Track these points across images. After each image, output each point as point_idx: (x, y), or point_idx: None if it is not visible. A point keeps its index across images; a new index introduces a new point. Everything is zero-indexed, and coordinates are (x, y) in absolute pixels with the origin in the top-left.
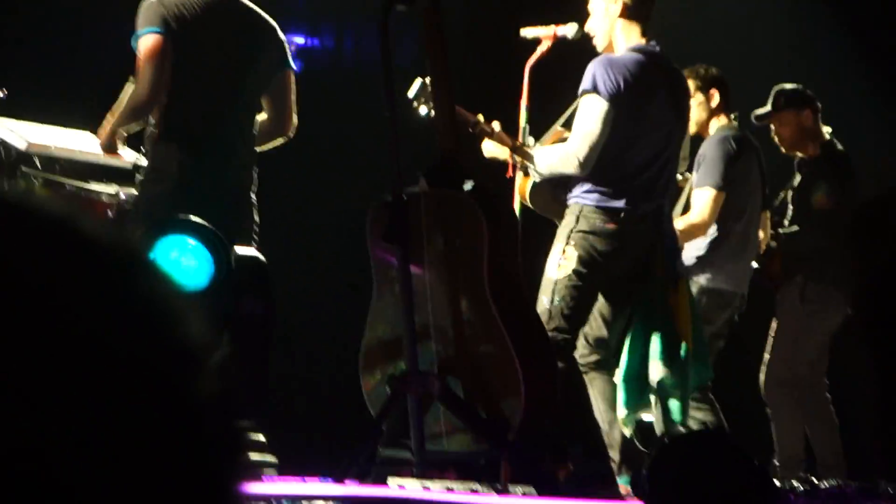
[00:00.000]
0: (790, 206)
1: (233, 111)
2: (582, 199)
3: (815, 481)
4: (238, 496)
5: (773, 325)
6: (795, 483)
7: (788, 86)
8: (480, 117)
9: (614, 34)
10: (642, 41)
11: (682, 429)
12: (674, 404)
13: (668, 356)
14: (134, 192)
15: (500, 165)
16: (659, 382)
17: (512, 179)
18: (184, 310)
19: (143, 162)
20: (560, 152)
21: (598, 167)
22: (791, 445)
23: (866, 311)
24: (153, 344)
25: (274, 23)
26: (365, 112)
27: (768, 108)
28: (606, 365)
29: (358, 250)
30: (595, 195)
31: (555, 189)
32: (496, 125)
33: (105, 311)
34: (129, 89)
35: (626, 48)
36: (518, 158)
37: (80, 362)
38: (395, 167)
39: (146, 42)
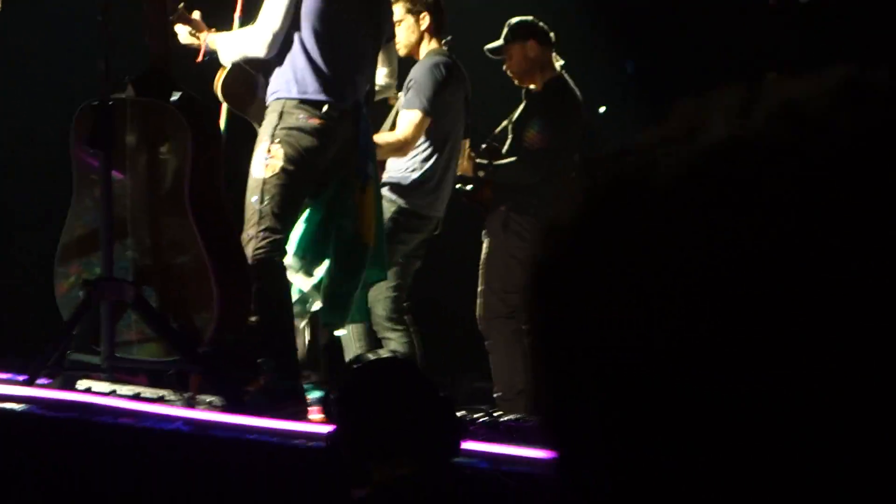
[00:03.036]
0: (509, 136)
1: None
2: (284, 94)
3: (496, 415)
4: None
5: (483, 250)
6: (477, 415)
7: (516, 19)
8: (182, 5)
9: None
10: None
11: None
12: (337, 302)
13: (344, 256)
14: None
15: (208, 80)
16: (328, 280)
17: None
18: None
19: None
20: (244, 35)
21: (293, 59)
22: (510, 377)
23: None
24: None
25: None
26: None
27: (499, 41)
28: (279, 247)
29: (62, 148)
30: (296, 89)
31: (255, 88)
32: (196, 14)
33: None
34: None
35: None
36: (209, 45)
37: None
38: (104, 72)
39: None
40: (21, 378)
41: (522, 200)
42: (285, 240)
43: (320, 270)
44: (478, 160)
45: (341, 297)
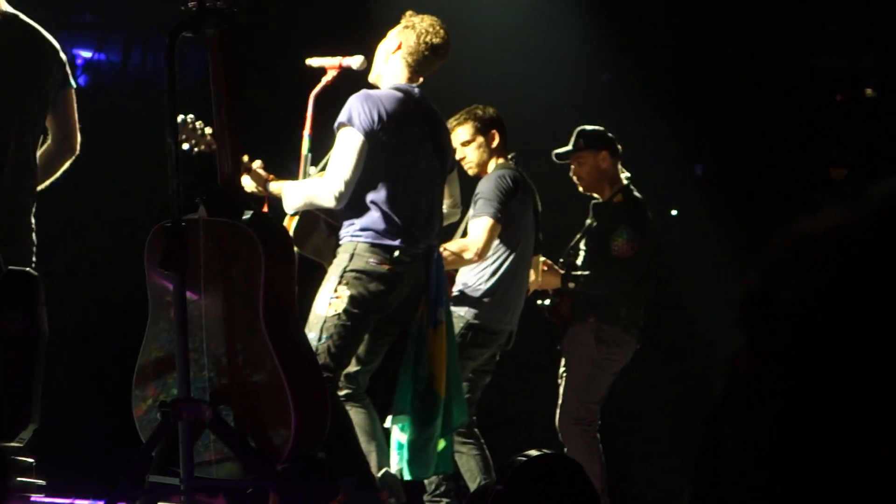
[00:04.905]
0: (582, 249)
1: (12, 130)
2: (355, 237)
3: None
4: None
5: (562, 364)
6: None
7: (589, 127)
8: (246, 157)
9: (383, 74)
10: (407, 83)
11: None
12: (418, 454)
13: (419, 405)
14: None
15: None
16: (408, 432)
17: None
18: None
19: None
20: (313, 186)
21: (365, 204)
22: (595, 480)
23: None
24: None
25: (55, 41)
26: (149, 129)
27: (569, 147)
28: (356, 398)
29: (136, 270)
30: (369, 233)
31: (328, 232)
32: (256, 164)
33: None
34: None
35: (387, 86)
36: (274, 192)
37: None
38: (175, 193)
39: None
40: (101, 503)
41: (611, 310)
42: (336, 380)
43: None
44: (562, 272)
45: (421, 449)
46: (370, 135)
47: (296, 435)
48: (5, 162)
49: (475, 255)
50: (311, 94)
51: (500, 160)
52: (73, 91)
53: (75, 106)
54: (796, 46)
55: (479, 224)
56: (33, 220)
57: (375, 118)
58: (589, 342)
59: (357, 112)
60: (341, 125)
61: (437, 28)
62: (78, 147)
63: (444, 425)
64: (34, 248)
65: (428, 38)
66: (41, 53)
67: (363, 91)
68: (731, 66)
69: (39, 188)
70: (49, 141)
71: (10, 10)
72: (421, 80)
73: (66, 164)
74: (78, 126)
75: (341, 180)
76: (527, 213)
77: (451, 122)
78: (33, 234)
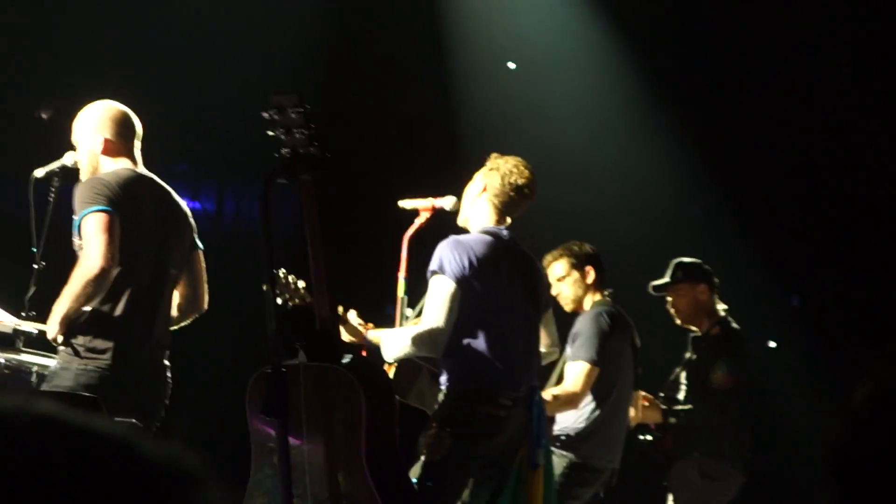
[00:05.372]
0: (683, 383)
1: (157, 290)
2: (455, 383)
3: None
4: None
5: (669, 501)
6: None
7: (687, 259)
8: (340, 309)
9: (471, 217)
10: (495, 226)
11: None
12: None
13: None
14: (14, 356)
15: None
16: None
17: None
18: None
19: (24, 327)
20: (411, 334)
21: (462, 350)
22: None
23: None
24: None
25: (184, 204)
26: (244, 276)
27: (666, 279)
28: None
29: (238, 418)
30: (468, 379)
31: (431, 378)
32: (351, 315)
33: None
34: (75, 276)
35: (475, 229)
36: (372, 341)
37: None
38: (275, 339)
39: (95, 220)
40: None
41: (716, 444)
42: None
43: None
44: (664, 407)
45: None
46: (461, 281)
47: None
48: (154, 325)
49: (573, 401)
50: (404, 237)
51: (598, 296)
52: (201, 253)
53: (204, 266)
54: (891, 177)
55: (576, 369)
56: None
57: (466, 264)
58: (694, 477)
59: (448, 259)
60: (433, 273)
61: (522, 168)
62: (206, 307)
63: None
64: (168, 389)
65: (512, 179)
66: (179, 216)
67: (452, 237)
68: (825, 196)
69: None
70: (179, 299)
71: (147, 172)
72: (509, 220)
73: (188, 321)
74: (206, 287)
75: (437, 328)
76: (625, 350)
77: (546, 258)
78: (168, 372)
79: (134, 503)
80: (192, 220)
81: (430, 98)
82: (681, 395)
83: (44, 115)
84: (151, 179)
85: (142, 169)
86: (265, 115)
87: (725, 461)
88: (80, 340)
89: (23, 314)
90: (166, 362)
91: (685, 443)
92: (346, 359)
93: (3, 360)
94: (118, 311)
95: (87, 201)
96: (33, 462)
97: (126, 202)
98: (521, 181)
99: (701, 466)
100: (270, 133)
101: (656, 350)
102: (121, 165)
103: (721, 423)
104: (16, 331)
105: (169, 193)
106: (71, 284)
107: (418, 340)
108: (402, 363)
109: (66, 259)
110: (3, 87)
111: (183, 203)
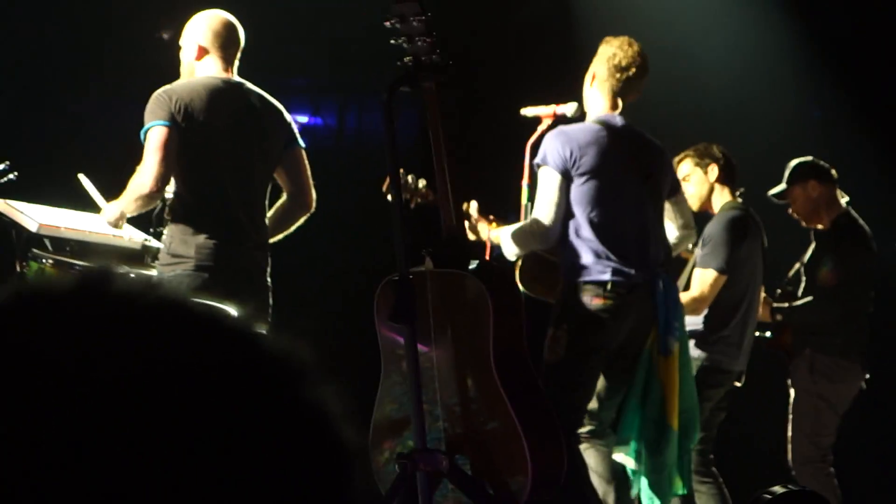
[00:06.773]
0: (803, 278)
1: (241, 194)
2: (567, 276)
3: None
4: None
5: (791, 396)
6: None
7: (794, 161)
8: (465, 205)
9: (588, 109)
10: (608, 113)
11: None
12: (654, 482)
13: (651, 433)
14: (144, 272)
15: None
16: (641, 462)
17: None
18: (341, 413)
19: (152, 243)
20: (523, 229)
21: (571, 241)
22: None
23: None
24: (324, 447)
25: (278, 104)
26: (370, 189)
27: (782, 185)
28: (599, 435)
29: (364, 328)
30: (578, 270)
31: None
32: (473, 207)
33: (281, 421)
34: (130, 186)
35: (590, 119)
36: (493, 240)
37: (262, 469)
38: (401, 247)
39: (153, 135)
40: None
41: (826, 341)
42: (573, 421)
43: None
44: (775, 304)
45: (656, 477)
46: (565, 171)
47: (533, 481)
48: (246, 223)
49: (698, 307)
50: (527, 144)
51: (727, 197)
52: (301, 150)
53: (306, 164)
54: None
55: (704, 276)
56: (269, 280)
57: (567, 154)
58: (805, 375)
59: (551, 150)
60: (538, 165)
61: (626, 48)
62: (313, 204)
63: (679, 456)
64: (270, 309)
65: (616, 61)
66: (264, 116)
67: (557, 128)
68: None
69: (271, 241)
70: (284, 197)
71: (237, 78)
72: (622, 104)
73: (300, 220)
74: (311, 183)
75: (544, 220)
76: (755, 254)
77: (673, 161)
78: (270, 295)
79: (255, 393)
80: (287, 118)
81: (551, 4)
82: (799, 292)
83: (164, 36)
84: (239, 85)
85: (234, 77)
86: (387, 23)
87: (836, 356)
88: (173, 244)
89: (151, 230)
90: (269, 280)
91: (799, 340)
92: (473, 264)
93: (133, 276)
94: (208, 213)
95: (150, 114)
96: (162, 344)
97: (194, 111)
98: (625, 61)
99: (811, 363)
100: (392, 42)
101: (792, 248)
102: (210, 73)
103: (829, 319)
104: (145, 246)
105: (258, 96)
106: (126, 194)
107: (529, 234)
108: (525, 258)
109: None
110: (129, 11)
111: (276, 103)
